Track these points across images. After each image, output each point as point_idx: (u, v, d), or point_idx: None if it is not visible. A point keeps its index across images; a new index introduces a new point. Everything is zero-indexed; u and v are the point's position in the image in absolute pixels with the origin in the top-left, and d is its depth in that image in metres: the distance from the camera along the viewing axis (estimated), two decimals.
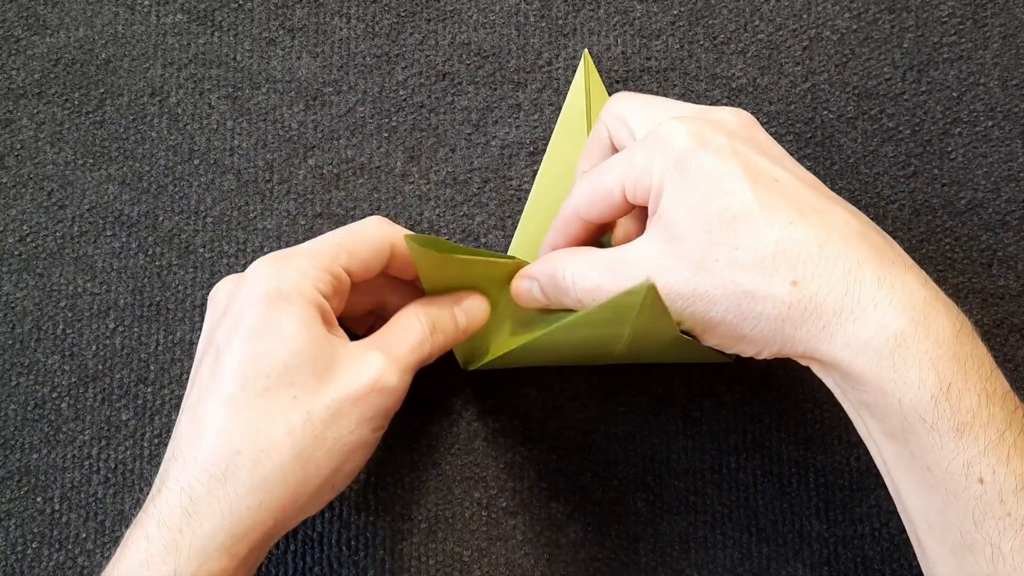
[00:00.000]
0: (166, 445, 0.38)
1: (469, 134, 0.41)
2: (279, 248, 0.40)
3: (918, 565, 0.37)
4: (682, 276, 0.29)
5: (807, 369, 0.36)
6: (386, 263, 0.33)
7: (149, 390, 0.39)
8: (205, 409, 0.29)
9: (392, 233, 0.33)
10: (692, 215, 0.28)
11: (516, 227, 0.40)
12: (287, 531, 0.30)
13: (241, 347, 0.29)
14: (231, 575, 0.28)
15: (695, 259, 0.28)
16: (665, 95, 0.41)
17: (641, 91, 0.41)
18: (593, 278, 0.31)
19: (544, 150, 0.41)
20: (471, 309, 0.35)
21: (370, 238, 0.33)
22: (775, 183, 0.29)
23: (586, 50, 0.41)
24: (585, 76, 0.40)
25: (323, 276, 0.31)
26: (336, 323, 0.31)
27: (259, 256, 0.40)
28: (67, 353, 0.39)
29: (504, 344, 0.36)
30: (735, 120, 0.31)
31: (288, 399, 0.28)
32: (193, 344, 0.39)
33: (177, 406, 0.39)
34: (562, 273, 0.32)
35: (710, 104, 0.41)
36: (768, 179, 0.29)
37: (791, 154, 0.40)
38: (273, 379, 0.28)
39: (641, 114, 0.33)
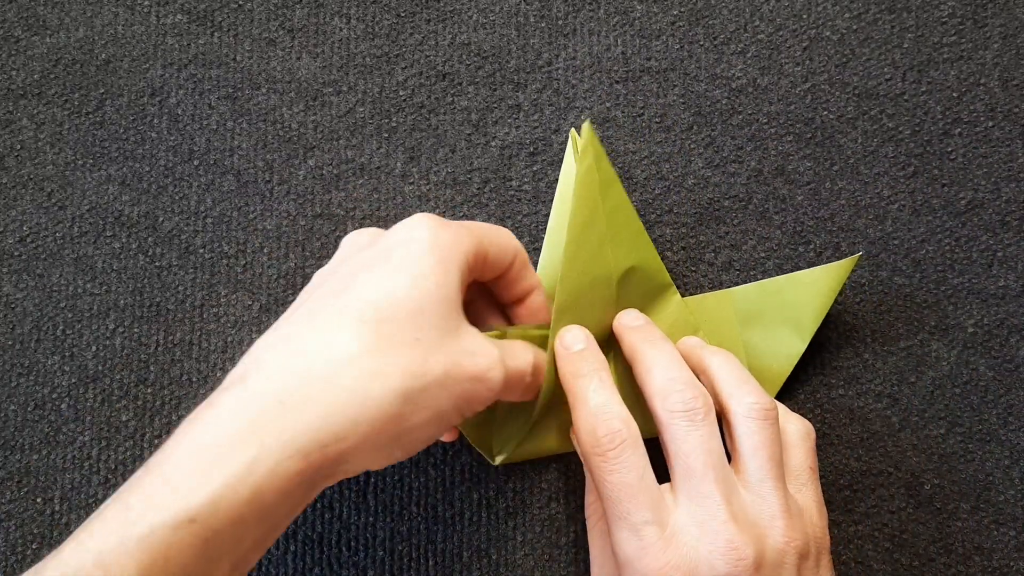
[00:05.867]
0: None
1: (469, 134, 0.41)
2: (279, 249, 0.40)
3: (918, 565, 0.37)
4: None
5: (806, 370, 0.36)
6: (504, 271, 0.33)
7: (149, 391, 0.39)
8: (326, 317, 0.27)
9: (518, 247, 0.33)
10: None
11: (515, 227, 0.40)
12: (343, 476, 0.28)
13: (382, 276, 0.28)
14: (297, 486, 0.26)
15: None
16: (665, 95, 0.41)
17: (641, 91, 0.41)
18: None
19: (544, 150, 0.41)
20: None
21: (504, 239, 0.32)
22: None
23: (587, 122, 0.34)
24: (574, 149, 0.37)
25: (474, 248, 0.30)
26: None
27: (259, 256, 0.40)
28: (67, 354, 0.39)
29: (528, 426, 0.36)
30: (802, 544, 0.30)
31: (411, 339, 0.27)
32: (193, 345, 0.39)
33: (177, 407, 0.39)
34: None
35: (710, 104, 0.41)
36: None
37: (791, 155, 0.41)
38: (403, 315, 0.27)
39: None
